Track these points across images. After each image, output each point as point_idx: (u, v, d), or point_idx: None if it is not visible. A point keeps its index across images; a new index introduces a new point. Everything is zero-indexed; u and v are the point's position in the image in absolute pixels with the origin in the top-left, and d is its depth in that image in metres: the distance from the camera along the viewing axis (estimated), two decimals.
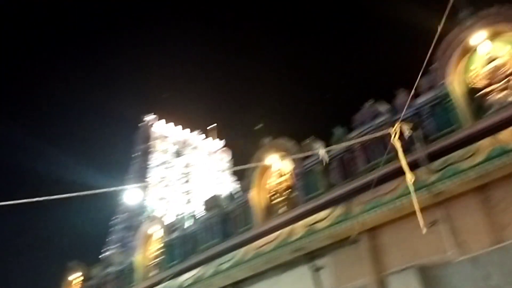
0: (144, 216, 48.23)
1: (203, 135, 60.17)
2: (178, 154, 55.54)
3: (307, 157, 12.56)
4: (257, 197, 13.68)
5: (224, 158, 60.38)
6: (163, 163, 53.21)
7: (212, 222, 14.62)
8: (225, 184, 54.21)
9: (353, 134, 11.38)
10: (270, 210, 13.31)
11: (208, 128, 59.45)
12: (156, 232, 16.90)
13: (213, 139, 61.42)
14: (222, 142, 61.49)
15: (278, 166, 13.52)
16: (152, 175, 51.65)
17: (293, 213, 12.06)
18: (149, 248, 17.02)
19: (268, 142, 13.65)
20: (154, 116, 58.10)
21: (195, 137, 58.91)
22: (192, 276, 13.46)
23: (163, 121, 57.62)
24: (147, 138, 55.18)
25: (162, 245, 16.19)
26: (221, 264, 12.80)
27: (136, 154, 55.32)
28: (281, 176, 13.36)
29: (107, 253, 46.88)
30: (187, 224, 16.19)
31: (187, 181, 52.94)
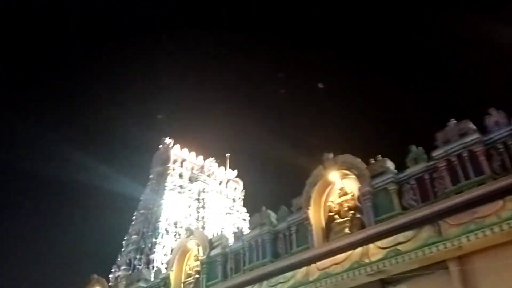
0: (154, 239, 46.46)
1: (216, 164, 58.98)
2: (193, 179, 54.27)
3: (377, 175, 11.50)
4: (316, 216, 12.49)
5: (237, 188, 58.92)
6: (179, 187, 51.78)
7: (260, 241, 13.36)
8: (239, 214, 52.70)
9: (438, 152, 10.33)
10: (331, 230, 12.10)
11: (225, 155, 58.36)
12: (194, 248, 15.60)
13: (226, 168, 60.23)
14: (234, 172, 60.21)
15: (341, 184, 12.39)
16: (166, 199, 50.23)
17: (361, 234, 10.85)
18: (186, 264, 15.68)
19: (330, 158, 12.58)
20: (171, 140, 57.25)
21: (209, 165, 57.72)
22: None
23: (178, 146, 56.66)
24: (164, 160, 54.01)
25: (200, 261, 14.86)
26: (277, 284, 11.49)
27: (152, 175, 54.04)
28: (344, 194, 12.20)
29: (115, 273, 44.82)
30: (229, 241, 14.93)
31: (201, 207, 51.35)
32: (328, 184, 12.68)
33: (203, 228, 50.31)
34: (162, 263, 41.43)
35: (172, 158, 54.91)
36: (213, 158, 58.39)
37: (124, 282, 17.90)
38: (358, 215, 11.69)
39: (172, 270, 15.54)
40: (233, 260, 14.06)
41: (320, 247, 11.65)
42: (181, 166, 55.37)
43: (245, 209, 55.36)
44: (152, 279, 16.77)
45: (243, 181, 59.56)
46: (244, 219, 52.16)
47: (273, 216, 13.69)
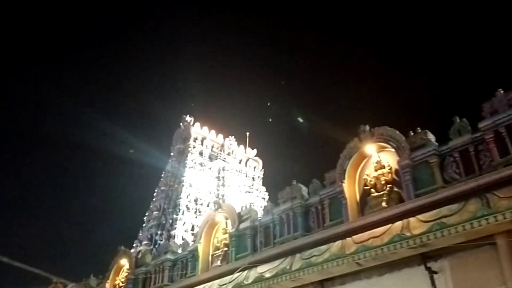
0: (174, 216, 46.77)
1: (236, 142, 58.69)
2: (213, 157, 54.16)
3: (417, 148, 11.02)
4: (351, 190, 12.10)
5: (256, 167, 58.70)
6: (199, 164, 51.77)
7: (291, 214, 13.04)
8: (258, 193, 52.62)
9: (485, 123, 9.78)
10: (366, 204, 11.70)
11: (245, 134, 58.08)
12: (223, 221, 15.39)
13: (245, 147, 59.92)
14: (254, 151, 59.92)
15: (377, 157, 11.93)
16: (187, 176, 50.22)
17: (401, 208, 10.44)
18: (214, 237, 15.50)
19: (367, 130, 12.11)
20: (191, 118, 56.98)
21: (229, 143, 57.44)
22: (274, 267, 11.85)
23: (198, 124, 56.39)
24: (185, 138, 53.95)
25: (229, 234, 14.65)
26: (311, 257, 11.19)
27: (173, 153, 54.15)
28: (381, 168, 11.75)
29: (137, 248, 45.35)
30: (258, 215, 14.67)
31: (221, 185, 51.31)
32: (363, 157, 12.24)
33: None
34: (182, 239, 41.68)
35: (193, 136, 54.80)
36: (233, 136, 58.18)
37: (151, 254, 17.88)
38: (396, 189, 11.26)
39: (200, 243, 15.38)
40: (262, 233, 13.81)
41: (355, 221, 11.29)
42: (202, 144, 55.29)
43: (264, 188, 55.26)
44: (179, 251, 16.67)
45: (262, 160, 59.30)
46: (264, 198, 52.07)
47: (304, 190, 13.34)
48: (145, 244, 44.39)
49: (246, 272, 12.72)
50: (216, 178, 53.03)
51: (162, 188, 49.61)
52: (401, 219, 10.17)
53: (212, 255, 15.15)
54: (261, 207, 45.53)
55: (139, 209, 48.81)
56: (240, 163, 56.92)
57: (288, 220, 13.06)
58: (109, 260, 18.34)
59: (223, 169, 54.31)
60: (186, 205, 48.20)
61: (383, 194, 11.30)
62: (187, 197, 48.53)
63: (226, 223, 15.23)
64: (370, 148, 11.99)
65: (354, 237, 10.64)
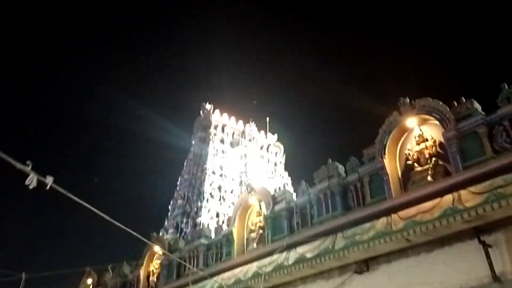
0: (199, 203, 46.84)
1: (256, 128, 58.29)
2: (234, 144, 53.91)
3: (463, 118, 10.47)
4: (392, 165, 11.64)
5: (278, 152, 58.36)
6: (220, 152, 51.60)
7: (329, 193, 12.64)
8: (281, 179, 52.30)
9: None
10: (409, 179, 11.23)
11: (265, 119, 57.62)
12: (256, 204, 15.09)
13: (266, 133, 59.49)
14: (275, 137, 59.49)
15: (419, 131, 11.42)
16: (209, 164, 50.07)
17: (449, 181, 9.93)
18: (248, 220, 15.23)
19: (407, 103, 11.59)
20: (210, 105, 56.72)
21: (249, 129, 57.05)
22: (316, 247, 11.51)
23: (218, 111, 56.12)
24: (205, 126, 53.78)
25: (264, 217, 14.34)
26: (354, 235, 10.79)
27: (194, 141, 54.07)
28: (423, 141, 11.24)
29: (164, 237, 45.56)
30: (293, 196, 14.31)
31: (243, 172, 51.09)
32: (404, 131, 11.74)
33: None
34: (208, 227, 41.69)
35: (213, 123, 54.64)
36: (253, 122, 57.80)
37: (184, 239, 17.74)
38: (441, 162, 10.76)
39: (234, 226, 15.12)
40: (299, 214, 13.45)
41: (399, 197, 10.83)
42: (222, 131, 55.12)
43: (286, 173, 54.93)
44: (213, 236, 16.47)
45: (283, 145, 58.90)
46: (286, 183, 51.77)
47: (340, 168, 12.91)
48: (171, 232, 44.63)
49: (285, 253, 12.39)
50: (238, 165, 52.89)
51: (186, 176, 49.69)
52: (450, 192, 9.66)
53: (247, 238, 14.89)
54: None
55: (164, 197, 49.13)
56: (261, 149, 56.63)
57: (326, 199, 12.67)
58: (140, 247, 18.26)
59: (245, 156, 54.10)
60: (210, 193, 48.21)
61: (428, 168, 10.81)
62: (210, 184, 48.51)
63: (260, 205, 14.93)
64: (411, 121, 11.48)
65: (400, 213, 10.18)
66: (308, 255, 11.41)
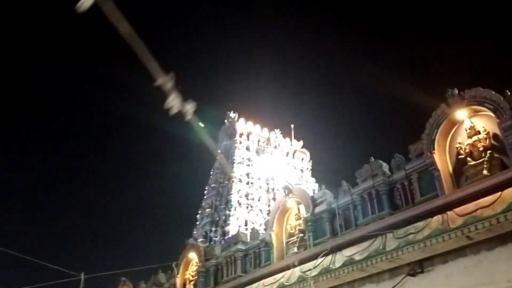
0: (227, 212, 46.52)
1: (281, 135, 57.85)
2: (260, 152, 53.50)
3: None
4: (442, 160, 11.01)
5: (304, 158, 57.78)
6: (247, 159, 51.25)
7: (374, 193, 12.05)
8: (308, 185, 51.64)
9: None
10: (462, 174, 10.60)
11: (289, 126, 57.20)
12: (294, 206, 14.57)
13: (291, 139, 59.01)
14: (300, 143, 58.96)
15: (469, 123, 10.78)
16: (236, 172, 49.73)
17: (507, 174, 9.28)
18: (286, 223, 14.72)
19: (456, 94, 10.97)
20: (235, 113, 56.55)
21: (274, 136, 56.64)
22: (365, 249, 10.92)
23: (243, 119, 55.85)
24: (230, 134, 53.60)
25: (304, 220, 13.81)
26: (407, 235, 10.18)
27: (220, 150, 53.82)
28: (476, 134, 10.59)
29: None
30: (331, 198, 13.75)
31: (270, 179, 50.60)
32: (453, 124, 11.11)
33: (274, 199, 49.83)
34: (243, 232, 41.35)
35: (238, 131, 54.42)
36: (278, 129, 57.39)
37: (220, 246, 17.34)
38: (496, 155, 10.11)
39: (273, 231, 14.62)
40: (341, 216, 12.89)
41: (453, 193, 10.18)
42: (247, 139, 54.85)
43: (314, 179, 54.20)
44: (249, 240, 16.01)
45: (309, 151, 58.24)
46: (314, 189, 51.02)
47: (385, 166, 12.32)
48: (201, 241, 44.18)
49: (330, 256, 11.83)
50: (265, 172, 52.44)
51: (213, 185, 49.45)
52: (507, 187, 9.02)
53: (287, 242, 14.36)
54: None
55: (193, 206, 48.98)
56: (287, 155, 56.11)
57: (371, 199, 12.09)
58: (175, 255, 17.92)
59: (271, 163, 53.67)
60: (238, 201, 47.85)
61: (483, 161, 10.15)
62: (237, 192, 48.17)
63: (299, 208, 14.41)
64: (461, 113, 10.86)
65: (457, 210, 9.54)
66: (357, 257, 10.83)
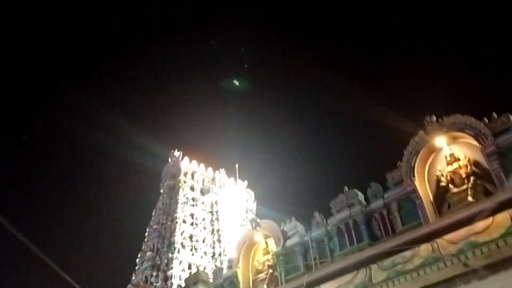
0: (170, 255, 44.26)
1: (226, 175, 57.07)
2: (204, 191, 52.20)
3: (500, 133, 9.84)
4: (422, 188, 10.73)
5: (249, 199, 57.02)
6: (191, 199, 49.68)
7: (351, 223, 11.50)
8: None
9: None
10: (444, 201, 10.34)
11: (234, 166, 56.46)
12: (262, 241, 13.66)
13: (236, 179, 58.33)
14: (245, 183, 58.34)
15: (448, 150, 10.66)
16: (180, 212, 47.97)
17: (499, 198, 9.08)
18: (253, 259, 13.71)
19: (434, 121, 10.89)
20: (179, 152, 55.31)
21: (219, 176, 55.74)
22: (347, 282, 10.18)
23: (187, 158, 54.72)
24: (174, 174, 51.94)
25: (275, 254, 12.91)
26: (394, 265, 9.61)
27: (163, 189, 51.88)
28: (456, 161, 10.45)
29: None
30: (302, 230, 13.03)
31: (215, 220, 49.21)
32: (432, 151, 10.97)
33: (219, 241, 48.29)
34: (180, 280, 39.07)
35: (183, 171, 52.84)
36: (223, 169, 56.44)
37: None
38: (479, 182, 9.97)
39: (239, 267, 13.53)
40: (315, 249, 12.16)
41: (437, 222, 9.84)
42: (192, 178, 53.32)
43: (258, 220, 53.05)
44: (211, 280, 14.74)
45: (254, 192, 57.54)
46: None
47: (360, 195, 11.89)
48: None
49: None
50: (210, 212, 50.94)
51: (155, 226, 47.00)
52: (497, 212, 8.80)
53: (254, 280, 13.32)
54: None
55: (131, 250, 46.00)
56: (232, 195, 55.06)
57: (348, 230, 11.50)
58: None
59: (216, 203, 52.33)
60: (181, 243, 45.69)
61: (466, 188, 9.96)
62: (181, 234, 46.08)
63: (267, 242, 13.52)
64: (440, 140, 10.75)
65: (446, 237, 9.16)
66: None
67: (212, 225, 50.08)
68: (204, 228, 48.82)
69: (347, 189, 12.16)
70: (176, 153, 53.64)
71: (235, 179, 57.06)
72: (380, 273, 9.72)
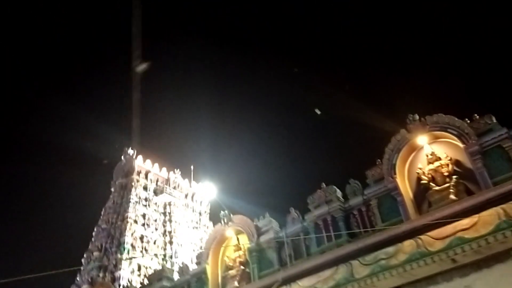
0: (119, 255, 42.66)
1: (181, 176, 56.12)
2: (158, 192, 50.95)
3: (483, 134, 9.98)
4: (403, 185, 10.70)
5: (203, 201, 56.23)
6: (143, 199, 48.30)
7: (329, 219, 11.32)
8: (205, 228, 49.81)
9: None
10: (424, 199, 10.34)
11: (189, 167, 55.62)
12: (233, 237, 13.20)
13: (190, 181, 57.50)
14: (199, 185, 57.60)
15: (429, 149, 10.71)
16: (131, 212, 46.50)
17: (481, 197, 9.15)
18: (223, 255, 13.21)
19: (416, 120, 10.92)
20: (133, 150, 53.67)
21: (174, 177, 54.70)
22: (327, 278, 9.93)
23: (141, 157, 53.28)
24: (127, 172, 50.28)
25: (249, 250, 12.49)
26: (377, 261, 9.46)
27: (114, 188, 50.08)
28: (437, 160, 10.50)
29: None
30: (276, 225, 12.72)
31: (167, 221, 48.09)
32: (412, 149, 10.98)
33: (170, 243, 47.09)
34: (129, 281, 37.58)
35: (136, 169, 51.26)
36: (178, 170, 55.33)
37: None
38: (461, 180, 10.05)
39: (208, 264, 13.01)
40: (290, 245, 11.87)
41: (419, 219, 9.81)
42: (146, 178, 51.83)
43: (211, 223, 52.44)
44: (176, 277, 14.09)
45: (208, 194, 56.75)
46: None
47: (338, 192, 11.74)
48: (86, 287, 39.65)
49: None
50: (162, 213, 49.68)
51: (103, 226, 45.13)
52: (482, 210, 8.87)
53: (224, 276, 12.82)
54: None
55: (76, 250, 43.80)
56: (186, 197, 54.08)
57: (326, 226, 11.30)
58: None
59: (169, 204, 51.13)
60: (131, 243, 44.15)
61: (448, 187, 10.00)
62: (132, 234, 44.54)
63: (238, 238, 13.08)
64: (422, 139, 10.78)
65: (431, 233, 9.12)
66: (322, 287, 9.77)
67: (164, 226, 48.79)
68: (156, 229, 47.47)
69: (324, 185, 11.98)
70: (130, 151, 51.97)
71: (190, 181, 56.03)
72: (362, 268, 9.53)
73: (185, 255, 44.62)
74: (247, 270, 12.28)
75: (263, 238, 12.31)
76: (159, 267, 41.32)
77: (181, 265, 14.27)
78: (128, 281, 38.38)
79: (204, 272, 12.88)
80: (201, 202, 55.40)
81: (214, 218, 53.59)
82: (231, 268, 12.73)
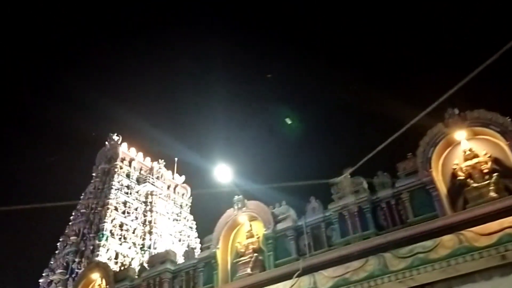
0: (97, 242, 41.43)
1: (164, 168, 55.10)
2: (141, 181, 49.84)
3: None
4: (439, 179, 10.26)
5: (185, 194, 55.28)
6: (125, 187, 47.14)
7: (356, 210, 10.79)
8: (186, 221, 48.90)
9: None
10: (461, 195, 9.92)
11: (173, 159, 54.82)
12: (246, 222, 12.54)
13: (173, 173, 56.51)
14: (182, 178, 56.65)
15: (467, 145, 10.31)
16: (112, 199, 45.28)
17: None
18: (235, 241, 12.52)
19: (456, 114, 10.51)
20: (118, 137, 52.42)
21: (158, 167, 53.63)
22: (358, 268, 9.38)
23: (126, 144, 52.05)
24: (110, 158, 49.00)
25: (265, 237, 11.86)
26: (414, 254, 8.98)
27: (95, 173, 48.70)
28: (475, 156, 10.10)
29: (48, 278, 39.42)
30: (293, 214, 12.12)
31: (148, 211, 47.06)
32: (449, 144, 10.56)
33: (150, 233, 45.97)
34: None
35: (120, 156, 50.01)
36: (162, 160, 54.25)
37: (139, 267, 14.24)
38: (501, 179, 9.66)
39: (218, 248, 12.31)
40: (310, 234, 11.30)
41: (460, 214, 9.37)
42: (129, 165, 50.61)
43: (192, 217, 51.55)
44: (180, 261, 13.34)
45: (190, 188, 55.87)
46: (191, 227, 48.52)
47: (365, 183, 11.23)
48: (60, 273, 38.23)
49: (308, 277, 10.04)
50: (144, 202, 48.56)
51: (83, 211, 43.78)
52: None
53: (234, 263, 12.14)
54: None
55: (52, 234, 42.17)
56: (168, 188, 53.05)
57: (352, 217, 10.75)
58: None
59: (151, 194, 50.03)
60: (111, 230, 42.93)
61: (488, 184, 9.58)
62: (111, 221, 43.32)
63: (251, 225, 12.43)
64: (460, 134, 10.37)
65: (474, 229, 8.68)
66: (352, 278, 9.23)
67: (144, 215, 47.67)
68: (136, 218, 46.28)
69: (348, 175, 11.45)
70: (115, 137, 50.68)
71: (173, 173, 54.96)
72: (397, 261, 9.04)
73: (163, 246, 43.50)
74: (260, 257, 11.64)
75: (280, 226, 11.69)
76: (137, 256, 40.33)
77: (186, 250, 13.51)
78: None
79: (214, 257, 12.18)
80: (183, 195, 54.41)
81: (195, 212, 52.67)
82: (242, 254, 12.05)
